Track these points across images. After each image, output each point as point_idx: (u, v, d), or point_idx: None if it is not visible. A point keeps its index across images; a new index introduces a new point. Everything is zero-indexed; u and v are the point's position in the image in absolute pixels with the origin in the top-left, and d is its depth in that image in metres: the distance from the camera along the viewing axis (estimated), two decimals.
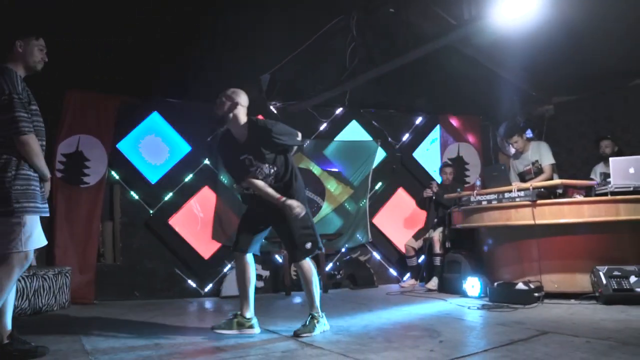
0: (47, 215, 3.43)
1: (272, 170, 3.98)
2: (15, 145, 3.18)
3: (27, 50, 3.39)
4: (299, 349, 3.51)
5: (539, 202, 5.42)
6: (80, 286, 6.07)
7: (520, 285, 5.28)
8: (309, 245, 4.04)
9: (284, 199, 3.91)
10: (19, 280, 5.17)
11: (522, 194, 5.56)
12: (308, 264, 4.09)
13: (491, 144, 8.66)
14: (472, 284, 5.82)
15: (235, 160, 4.04)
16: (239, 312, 4.07)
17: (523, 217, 5.50)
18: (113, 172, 6.57)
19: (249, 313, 4.07)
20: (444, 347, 3.44)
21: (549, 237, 5.43)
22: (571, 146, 7.77)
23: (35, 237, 3.28)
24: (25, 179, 3.22)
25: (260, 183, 3.96)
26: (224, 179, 6.93)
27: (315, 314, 4.05)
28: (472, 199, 6.07)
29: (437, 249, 6.86)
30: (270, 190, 3.93)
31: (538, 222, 5.36)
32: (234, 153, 4.05)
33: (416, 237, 7.32)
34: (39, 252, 6.03)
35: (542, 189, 5.52)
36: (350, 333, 4.05)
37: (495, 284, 5.52)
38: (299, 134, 4.15)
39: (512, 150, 8.41)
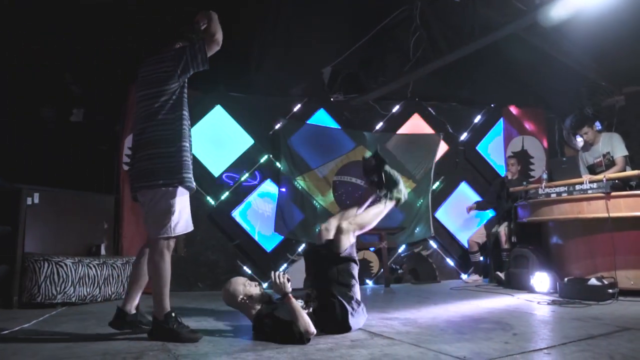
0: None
1: None
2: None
3: None
4: (369, 339, 3.47)
5: (613, 194, 5.20)
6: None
7: (593, 281, 5.08)
8: None
9: None
10: (89, 268, 5.37)
11: (594, 185, 5.35)
12: None
13: (557, 137, 8.36)
14: (540, 279, 5.66)
15: None
16: None
17: (596, 210, 5.29)
18: None
19: None
20: (519, 340, 3.35)
21: (624, 232, 5.20)
22: None
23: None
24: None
25: None
26: (286, 171, 6.96)
27: None
28: (541, 191, 5.88)
29: (504, 243, 6.68)
30: None
31: (612, 215, 5.14)
32: None
33: (480, 232, 7.16)
34: (108, 242, 6.25)
35: (616, 181, 5.29)
36: (419, 325, 3.99)
37: (566, 279, 5.34)
38: None
39: (580, 144, 8.14)
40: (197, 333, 3.43)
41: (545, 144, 8.21)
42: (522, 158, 7.74)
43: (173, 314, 3.40)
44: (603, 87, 7.52)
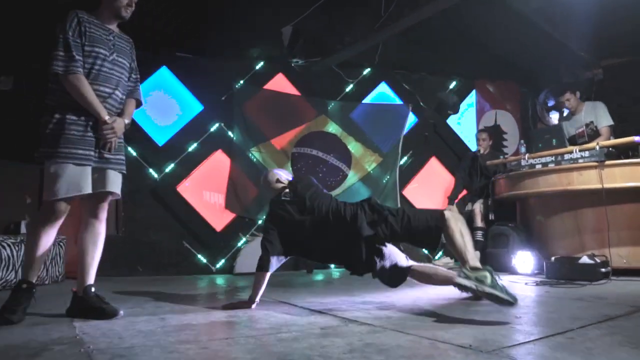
0: (88, 164, 3.01)
1: None
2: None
3: None
4: (342, 325, 2.78)
5: (607, 162, 4.67)
6: (77, 259, 5.33)
7: (585, 259, 4.55)
8: None
9: None
10: (3, 247, 4.51)
11: (586, 154, 4.82)
12: None
13: (530, 112, 7.86)
14: (523, 259, 5.12)
15: None
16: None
17: (588, 180, 4.77)
18: None
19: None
20: (527, 324, 2.73)
21: (618, 205, 4.70)
22: (623, 113, 6.97)
23: (64, 185, 2.94)
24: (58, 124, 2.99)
25: None
26: (240, 142, 6.20)
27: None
28: (524, 162, 5.31)
29: (479, 222, 6.11)
30: None
31: (607, 186, 4.61)
32: None
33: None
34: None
35: (610, 149, 4.77)
36: (400, 308, 3.33)
37: (553, 258, 4.79)
38: None
39: (554, 120, 7.70)
40: (117, 308, 3.10)
41: (519, 119, 7.69)
42: (495, 133, 7.19)
43: (92, 289, 3.13)
44: (583, 58, 7.04)
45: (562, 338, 2.40)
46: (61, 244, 5.09)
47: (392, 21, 5.45)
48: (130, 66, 3.32)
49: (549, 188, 5.02)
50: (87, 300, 3.06)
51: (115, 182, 3.14)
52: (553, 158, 5.06)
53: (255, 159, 6.23)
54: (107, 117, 3.03)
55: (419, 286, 4.41)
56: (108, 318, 2.97)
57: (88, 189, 2.98)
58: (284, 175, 3.80)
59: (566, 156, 4.96)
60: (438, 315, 3.06)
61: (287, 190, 3.66)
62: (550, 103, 7.75)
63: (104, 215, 3.19)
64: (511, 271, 5.18)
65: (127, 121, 3.20)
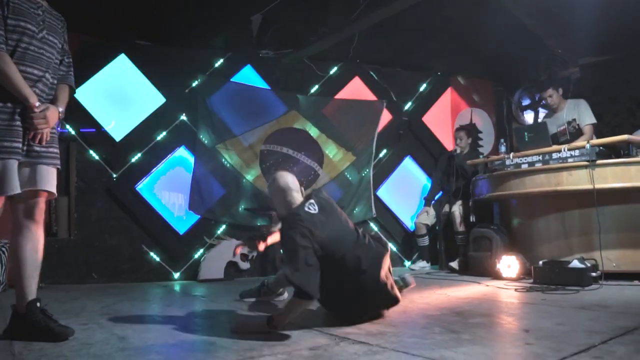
0: (14, 159, 2.53)
1: None
2: None
3: None
4: (334, 345, 2.42)
5: (598, 162, 4.43)
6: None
7: (575, 263, 4.31)
8: None
9: None
10: None
11: (576, 153, 4.58)
12: None
13: (505, 111, 7.66)
14: (508, 264, 4.85)
15: None
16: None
17: (578, 180, 4.53)
18: (68, 126, 5.33)
19: None
20: (539, 339, 2.41)
21: (608, 206, 4.47)
22: (600, 112, 6.82)
23: None
24: None
25: None
26: (204, 138, 5.75)
27: None
28: (508, 162, 5.05)
29: (459, 225, 5.83)
30: None
31: (598, 186, 4.38)
32: None
33: (427, 212, 6.27)
34: None
35: (601, 147, 4.54)
36: (391, 322, 2.99)
37: (541, 262, 4.53)
38: None
39: (528, 120, 7.52)
40: (69, 328, 2.62)
41: (494, 119, 7.48)
42: (471, 132, 6.93)
43: (38, 304, 2.61)
44: (560, 56, 6.86)
45: (588, 357, 2.09)
46: (3, 249, 4.56)
47: (370, 11, 5.10)
48: (62, 47, 2.86)
49: (537, 189, 4.76)
50: (30, 319, 2.56)
51: (48, 179, 2.66)
52: (540, 157, 4.80)
53: (221, 157, 5.78)
54: (37, 103, 2.57)
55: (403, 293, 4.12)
56: (57, 340, 2.51)
57: (15, 189, 2.50)
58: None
59: (554, 155, 4.71)
60: (435, 329, 2.72)
61: (312, 200, 2.98)
62: (525, 102, 7.57)
63: (40, 216, 2.68)
64: (495, 276, 4.92)
65: (61, 109, 2.74)
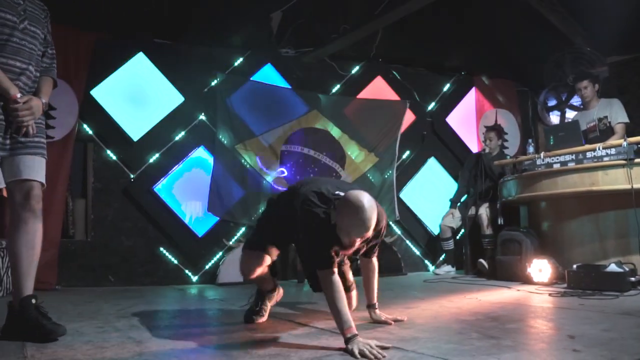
0: None
1: None
2: None
3: None
4: None
5: (637, 160, 4.22)
6: (39, 267, 4.65)
7: (613, 267, 4.08)
8: None
9: None
10: None
11: (612, 151, 4.36)
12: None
13: (530, 112, 7.44)
14: (539, 268, 4.63)
15: None
16: None
17: (614, 180, 4.32)
18: (85, 126, 5.24)
19: None
20: (589, 347, 2.21)
21: None
22: (628, 112, 6.58)
23: None
24: None
25: None
26: (224, 138, 5.62)
27: None
28: (539, 162, 4.84)
29: (486, 228, 5.62)
30: None
31: (637, 186, 4.16)
32: None
33: (453, 215, 6.07)
34: None
35: (639, 145, 4.32)
36: (423, 327, 2.81)
37: (575, 266, 4.31)
38: None
39: (554, 121, 7.29)
40: (61, 326, 2.49)
41: (520, 119, 7.26)
42: (501, 133, 6.72)
43: (33, 300, 2.50)
44: (588, 54, 6.63)
45: None
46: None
47: (394, 6, 4.94)
48: (45, 38, 2.73)
49: (570, 189, 4.55)
50: (23, 315, 2.45)
51: (33, 168, 2.54)
52: (573, 157, 4.59)
53: (240, 157, 5.65)
54: (18, 95, 2.44)
55: (428, 299, 3.96)
56: (48, 339, 2.39)
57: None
58: None
59: (588, 154, 4.50)
60: (472, 335, 2.53)
61: None
62: (551, 102, 7.34)
63: (35, 206, 2.54)
64: (526, 280, 4.71)
65: (44, 100, 2.62)
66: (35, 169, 2.54)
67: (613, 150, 4.35)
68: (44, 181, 2.58)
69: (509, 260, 5.06)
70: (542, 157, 4.83)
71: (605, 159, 4.36)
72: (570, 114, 7.14)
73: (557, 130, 5.12)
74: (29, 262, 2.52)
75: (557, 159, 4.71)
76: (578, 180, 4.50)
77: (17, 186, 2.49)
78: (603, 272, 4.08)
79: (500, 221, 5.40)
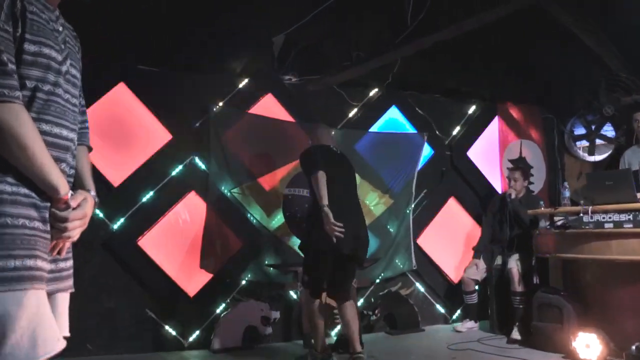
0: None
1: None
2: None
3: None
4: None
5: None
6: None
7: None
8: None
9: None
10: None
11: None
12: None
13: (556, 142, 6.77)
14: (587, 343, 3.98)
15: None
16: None
17: None
18: None
19: None
20: None
21: None
22: None
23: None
24: None
25: None
26: (218, 181, 4.93)
27: None
28: (586, 219, 4.16)
29: (517, 285, 4.96)
30: None
31: None
32: None
33: (477, 266, 5.41)
34: None
35: None
36: None
37: (634, 347, 3.66)
38: None
39: (580, 152, 6.67)
40: None
41: (544, 150, 6.60)
42: (526, 172, 6.06)
43: None
44: (624, 80, 5.98)
45: None
46: None
47: (419, 35, 4.25)
48: (80, 84, 1.74)
49: (627, 256, 3.88)
50: None
51: (66, 317, 1.64)
52: (630, 216, 3.92)
53: (238, 203, 4.96)
54: (69, 194, 1.52)
55: None
56: None
57: (58, 344, 1.44)
58: None
59: None
60: None
61: None
62: (579, 131, 6.71)
63: None
64: (569, 354, 4.07)
65: (93, 193, 1.72)
66: (66, 316, 1.65)
67: None
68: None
69: (547, 328, 4.39)
70: (589, 213, 4.15)
71: None
72: (600, 145, 6.52)
73: (602, 179, 4.45)
74: None
75: (609, 217, 4.03)
76: (637, 247, 3.83)
77: None
78: None
79: (535, 280, 4.73)
